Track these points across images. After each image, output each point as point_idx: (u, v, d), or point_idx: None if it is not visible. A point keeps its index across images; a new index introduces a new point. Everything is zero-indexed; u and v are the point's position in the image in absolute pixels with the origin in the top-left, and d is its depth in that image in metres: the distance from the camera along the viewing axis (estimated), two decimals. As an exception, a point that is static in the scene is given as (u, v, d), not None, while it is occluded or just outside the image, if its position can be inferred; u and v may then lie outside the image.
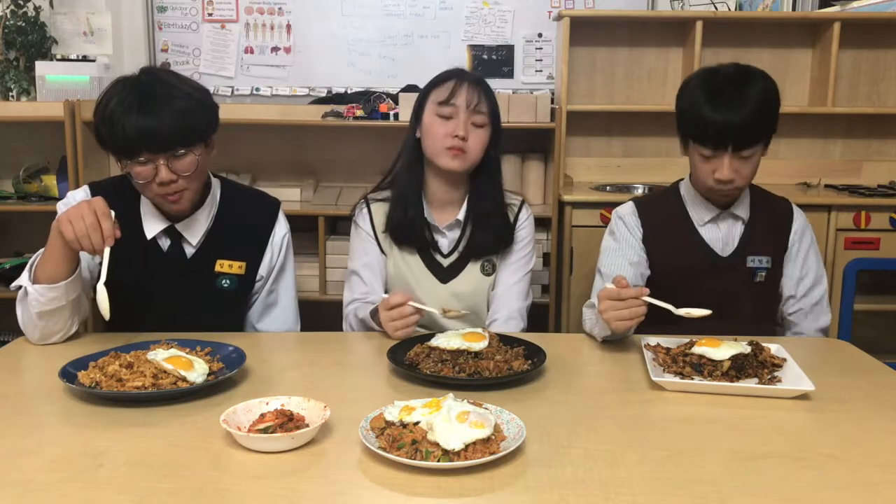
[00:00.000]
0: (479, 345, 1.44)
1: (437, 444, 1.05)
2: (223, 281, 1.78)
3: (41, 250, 1.59)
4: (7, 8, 3.22)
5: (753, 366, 1.41)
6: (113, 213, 1.50)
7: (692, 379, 1.39)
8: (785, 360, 1.47)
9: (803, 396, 1.34)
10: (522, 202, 2.01)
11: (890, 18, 3.08)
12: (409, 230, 1.90)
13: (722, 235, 1.86)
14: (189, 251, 1.75)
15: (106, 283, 1.48)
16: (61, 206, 1.69)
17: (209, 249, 1.76)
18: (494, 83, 2.05)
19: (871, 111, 3.21)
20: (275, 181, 3.25)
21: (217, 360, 1.43)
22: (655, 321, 1.60)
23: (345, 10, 3.44)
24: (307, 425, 1.14)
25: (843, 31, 3.02)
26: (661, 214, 1.91)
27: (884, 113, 3.21)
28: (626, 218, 1.91)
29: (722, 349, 1.42)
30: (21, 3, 3.23)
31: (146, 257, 1.73)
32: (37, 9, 3.28)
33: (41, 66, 3.15)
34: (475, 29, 3.46)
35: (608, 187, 3.16)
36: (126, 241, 1.55)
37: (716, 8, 3.29)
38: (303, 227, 2.84)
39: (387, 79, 3.46)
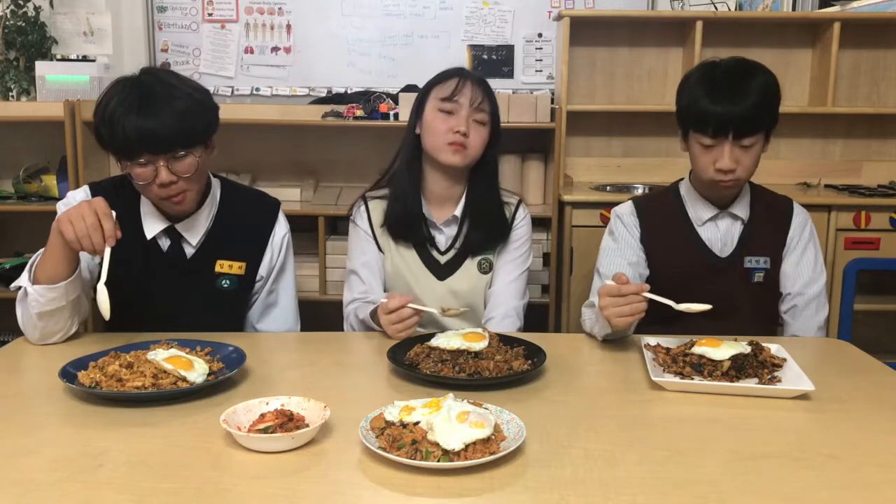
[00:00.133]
0: (479, 345, 1.44)
1: (437, 444, 1.05)
2: (223, 281, 1.78)
3: (41, 250, 1.58)
4: (7, 8, 3.22)
5: (753, 366, 1.41)
6: (114, 213, 1.50)
7: (692, 379, 1.39)
8: (785, 360, 1.47)
9: (803, 396, 1.34)
10: (519, 201, 2.01)
11: (890, 18, 3.08)
12: (406, 225, 1.91)
13: (721, 235, 1.85)
14: (189, 251, 1.75)
15: (106, 283, 1.48)
16: (61, 207, 1.69)
17: (209, 249, 1.76)
18: (494, 83, 2.05)
19: (871, 111, 3.21)
20: (275, 181, 3.25)
21: (217, 360, 1.43)
22: (655, 320, 1.60)
23: (345, 10, 3.44)
24: (307, 425, 1.14)
25: (843, 31, 3.02)
26: (660, 214, 1.91)
27: (884, 113, 3.21)
28: (625, 217, 1.91)
29: (722, 349, 1.42)
30: (21, 3, 3.23)
31: (146, 257, 1.73)
32: (37, 9, 3.28)
33: (41, 66, 3.15)
34: (475, 29, 3.46)
35: (608, 187, 3.16)
36: (126, 242, 1.55)
37: (716, 8, 3.29)
38: (303, 227, 2.84)
39: (387, 79, 3.46)
